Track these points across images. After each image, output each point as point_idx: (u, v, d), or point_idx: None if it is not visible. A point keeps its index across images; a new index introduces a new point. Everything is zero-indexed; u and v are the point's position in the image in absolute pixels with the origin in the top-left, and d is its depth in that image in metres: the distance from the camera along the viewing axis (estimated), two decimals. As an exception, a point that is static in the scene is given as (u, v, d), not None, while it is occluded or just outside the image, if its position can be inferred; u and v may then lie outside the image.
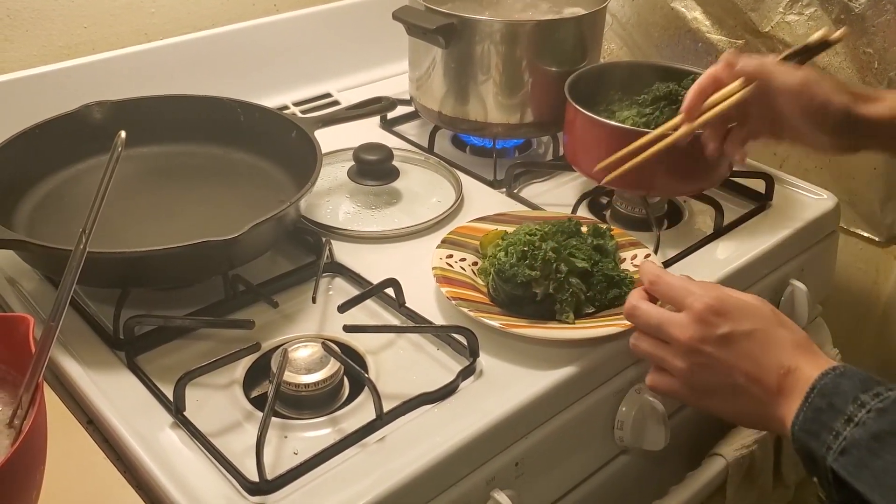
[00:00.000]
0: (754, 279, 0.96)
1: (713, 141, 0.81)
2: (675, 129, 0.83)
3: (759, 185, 1.03)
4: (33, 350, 0.54)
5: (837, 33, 0.79)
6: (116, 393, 0.72)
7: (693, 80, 0.84)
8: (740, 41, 1.17)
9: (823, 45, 0.80)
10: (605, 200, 1.02)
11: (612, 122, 0.93)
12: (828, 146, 0.77)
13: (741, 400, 0.65)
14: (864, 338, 1.23)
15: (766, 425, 0.66)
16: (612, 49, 1.31)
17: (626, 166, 0.85)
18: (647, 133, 0.86)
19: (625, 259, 0.86)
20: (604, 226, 0.86)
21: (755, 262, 0.94)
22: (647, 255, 0.87)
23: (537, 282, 0.77)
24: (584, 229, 0.85)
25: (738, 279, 0.92)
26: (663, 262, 0.88)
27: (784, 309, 1.00)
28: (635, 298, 0.71)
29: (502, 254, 0.80)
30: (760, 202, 1.02)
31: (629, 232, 0.91)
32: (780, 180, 1.06)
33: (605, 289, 0.80)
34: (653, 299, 0.71)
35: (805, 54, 0.80)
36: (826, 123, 0.75)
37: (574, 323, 0.78)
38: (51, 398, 0.72)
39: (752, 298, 0.68)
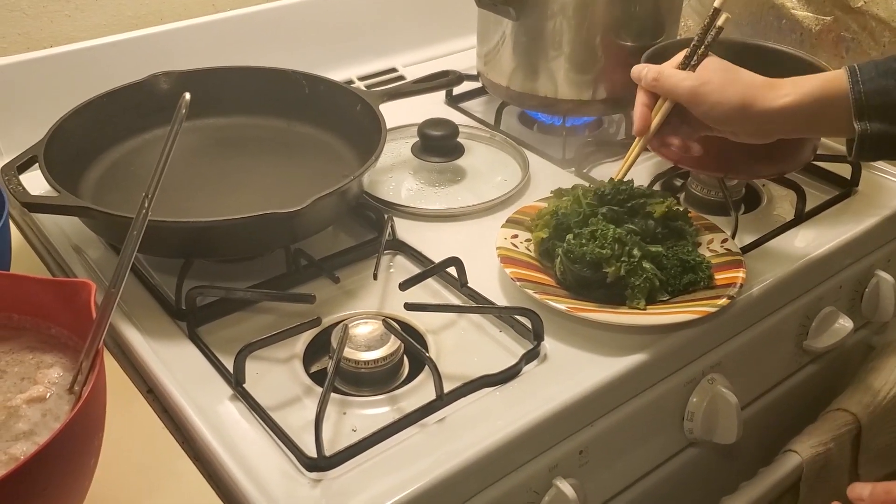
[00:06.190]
0: (836, 269, 0.91)
1: (665, 146, 0.82)
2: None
3: (844, 170, 0.98)
4: (94, 316, 0.54)
5: (722, 19, 0.79)
6: (177, 363, 0.71)
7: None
8: (828, 17, 1.10)
9: (717, 30, 0.79)
10: (679, 182, 0.98)
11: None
12: (746, 137, 0.76)
13: None
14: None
15: None
16: (690, 26, 1.26)
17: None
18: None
19: (700, 244, 0.82)
20: (681, 207, 0.82)
21: (838, 251, 0.89)
22: (725, 241, 0.83)
23: (608, 261, 0.74)
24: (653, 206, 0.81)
25: (820, 269, 0.88)
26: (741, 248, 0.84)
27: (868, 301, 0.96)
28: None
29: (571, 235, 0.77)
30: (845, 188, 0.97)
31: (705, 216, 0.87)
32: (867, 165, 1.00)
33: (679, 273, 0.76)
34: None
35: (702, 46, 0.79)
36: (728, 119, 0.74)
37: (645, 309, 0.74)
38: (112, 366, 0.72)
39: None
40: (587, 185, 0.87)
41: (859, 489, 0.68)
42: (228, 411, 0.67)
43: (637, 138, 0.80)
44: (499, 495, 0.66)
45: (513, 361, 0.71)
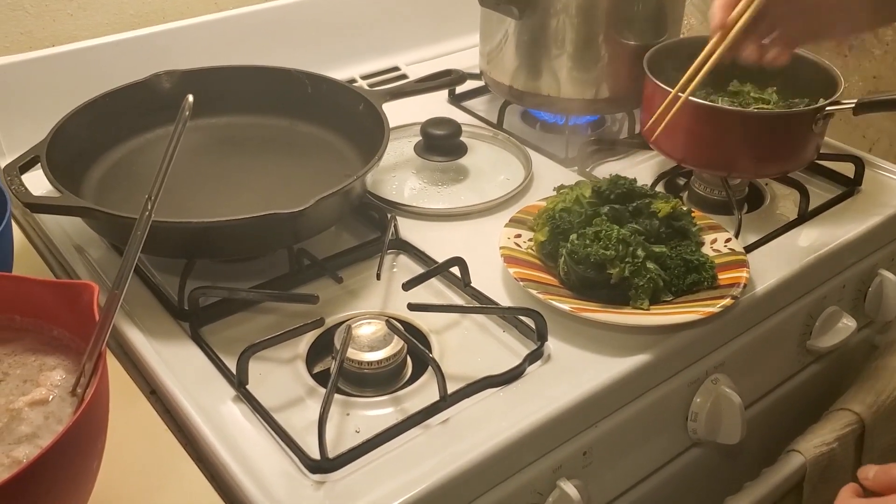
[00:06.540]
0: (840, 268, 0.91)
1: (753, 52, 0.76)
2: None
3: (847, 169, 0.97)
4: (97, 318, 0.53)
5: None
6: (179, 364, 0.71)
7: None
8: (832, 16, 1.10)
9: None
10: (682, 181, 0.97)
11: (694, 98, 0.88)
12: (865, 21, 0.72)
13: None
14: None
15: None
16: (693, 24, 1.26)
17: (675, 109, 0.80)
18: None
19: (703, 243, 0.82)
20: (684, 207, 0.82)
21: (842, 249, 0.89)
22: (728, 240, 0.82)
23: (612, 262, 0.74)
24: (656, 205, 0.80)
25: (823, 268, 0.88)
26: (745, 248, 0.83)
27: (871, 300, 0.95)
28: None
29: (574, 236, 0.77)
30: (849, 187, 0.97)
31: (708, 215, 0.87)
32: (871, 164, 1.00)
33: (682, 273, 0.76)
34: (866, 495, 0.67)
35: None
36: None
37: (648, 310, 0.74)
38: (114, 367, 0.72)
39: None
40: (596, 177, 0.85)
41: (866, 470, 0.68)
42: (231, 412, 0.67)
43: (713, 38, 0.73)
44: (502, 496, 0.66)
45: (516, 362, 0.70)
